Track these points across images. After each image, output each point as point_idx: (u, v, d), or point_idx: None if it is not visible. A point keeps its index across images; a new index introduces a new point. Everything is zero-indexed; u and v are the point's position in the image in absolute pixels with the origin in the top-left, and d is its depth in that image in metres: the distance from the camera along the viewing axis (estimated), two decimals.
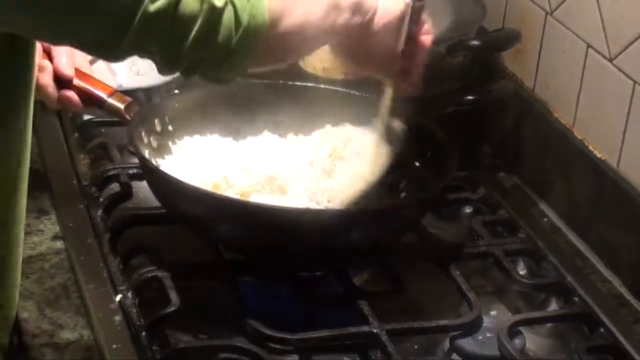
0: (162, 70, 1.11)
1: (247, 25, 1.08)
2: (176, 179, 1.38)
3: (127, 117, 1.46)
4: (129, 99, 1.48)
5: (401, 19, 1.26)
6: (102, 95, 1.46)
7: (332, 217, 1.35)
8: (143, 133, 1.46)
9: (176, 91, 1.64)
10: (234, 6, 1.07)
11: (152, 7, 1.01)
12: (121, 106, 1.46)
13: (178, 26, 1.04)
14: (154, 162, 1.45)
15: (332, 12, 1.18)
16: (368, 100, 1.51)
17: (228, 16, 1.07)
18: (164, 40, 1.06)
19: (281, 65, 1.23)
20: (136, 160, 1.50)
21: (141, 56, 1.09)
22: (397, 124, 1.41)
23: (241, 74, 1.15)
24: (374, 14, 1.23)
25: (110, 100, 1.46)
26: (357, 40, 1.25)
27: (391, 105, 1.38)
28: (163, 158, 1.49)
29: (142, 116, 1.48)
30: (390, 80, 1.35)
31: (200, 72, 1.12)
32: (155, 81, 1.75)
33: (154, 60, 1.10)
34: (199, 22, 1.05)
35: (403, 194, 1.49)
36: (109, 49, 1.06)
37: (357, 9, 1.21)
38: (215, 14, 1.06)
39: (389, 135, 1.41)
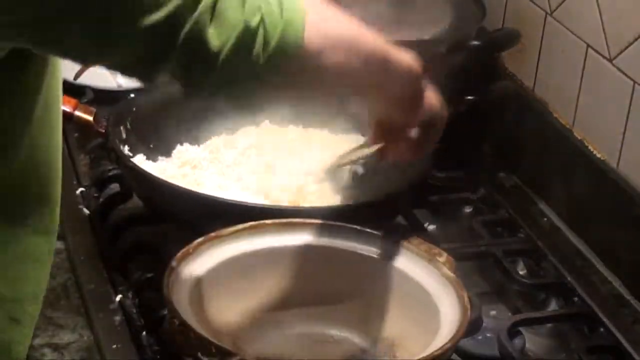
0: (187, 91, 1.01)
1: (276, 44, 0.98)
2: (155, 176, 1.39)
3: (99, 129, 1.45)
4: (93, 109, 1.48)
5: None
6: (68, 109, 1.45)
7: (323, 213, 1.33)
8: (124, 136, 1.47)
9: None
10: (264, 25, 0.98)
11: (193, 26, 0.93)
12: (90, 118, 1.46)
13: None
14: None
15: (380, 74, 1.08)
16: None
17: (260, 36, 0.98)
18: (198, 60, 0.96)
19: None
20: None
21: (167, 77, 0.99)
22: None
23: (269, 93, 1.05)
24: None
25: (78, 113, 1.46)
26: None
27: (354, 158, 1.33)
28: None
29: (115, 122, 1.47)
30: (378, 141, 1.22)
31: (226, 92, 1.02)
32: None
33: (181, 82, 1.00)
34: (231, 41, 0.96)
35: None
36: (147, 71, 0.97)
37: (404, 77, 1.11)
38: (248, 33, 0.97)
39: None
